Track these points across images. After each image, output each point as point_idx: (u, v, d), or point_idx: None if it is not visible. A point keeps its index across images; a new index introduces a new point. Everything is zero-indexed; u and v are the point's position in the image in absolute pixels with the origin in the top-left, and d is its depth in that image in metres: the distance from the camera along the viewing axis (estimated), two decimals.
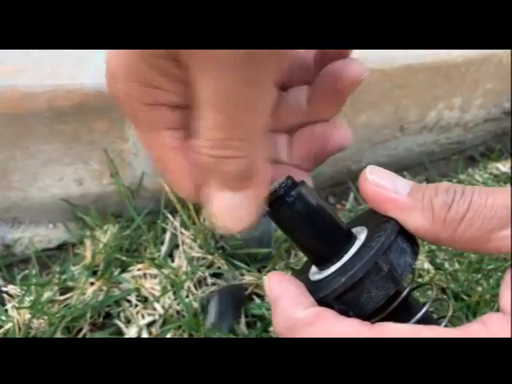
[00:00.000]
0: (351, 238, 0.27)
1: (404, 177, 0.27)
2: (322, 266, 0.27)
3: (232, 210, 0.24)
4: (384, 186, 0.26)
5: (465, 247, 0.25)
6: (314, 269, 0.29)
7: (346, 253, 0.27)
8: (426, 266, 0.61)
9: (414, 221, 0.25)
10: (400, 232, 0.26)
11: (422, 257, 0.62)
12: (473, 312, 0.54)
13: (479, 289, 0.56)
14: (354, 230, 0.28)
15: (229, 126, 0.21)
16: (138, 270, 0.60)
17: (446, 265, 0.61)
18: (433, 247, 0.64)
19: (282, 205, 0.26)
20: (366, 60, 0.70)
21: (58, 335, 0.54)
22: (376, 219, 0.27)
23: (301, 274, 0.30)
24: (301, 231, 0.27)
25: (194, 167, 0.24)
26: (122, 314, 0.57)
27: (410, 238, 0.26)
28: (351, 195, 0.73)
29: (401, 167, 0.77)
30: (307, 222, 0.27)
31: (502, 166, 0.76)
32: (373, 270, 0.25)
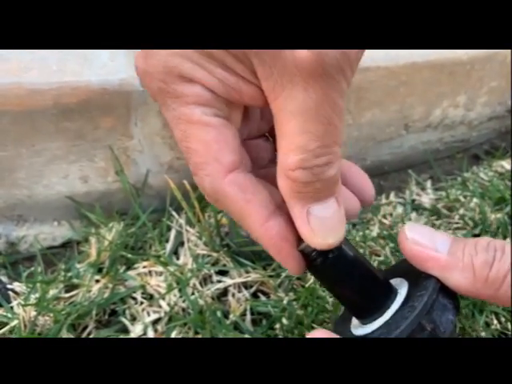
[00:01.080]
0: (391, 292, 0.28)
1: (409, 176, 0.27)
2: (364, 319, 0.28)
3: (331, 220, 0.24)
4: (424, 245, 0.26)
5: (508, 304, 0.25)
6: (355, 321, 0.29)
7: (388, 308, 0.27)
8: None
9: (456, 280, 0.25)
10: (441, 289, 0.26)
11: None
12: (479, 309, 0.53)
13: None
14: (393, 282, 0.29)
15: (324, 133, 0.21)
16: (144, 267, 0.60)
17: None
18: None
19: (324, 262, 0.27)
20: (370, 58, 0.71)
21: (64, 332, 0.54)
22: (415, 273, 0.27)
23: (342, 325, 0.30)
24: (342, 286, 0.28)
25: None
26: (127, 312, 0.57)
27: (450, 294, 0.26)
28: None
29: (405, 165, 0.77)
30: (349, 278, 0.27)
31: (507, 164, 0.76)
32: (417, 330, 0.25)
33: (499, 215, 0.67)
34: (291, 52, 0.19)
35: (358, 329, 0.28)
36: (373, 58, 0.63)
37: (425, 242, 0.26)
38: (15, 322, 0.55)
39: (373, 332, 0.27)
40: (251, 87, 0.22)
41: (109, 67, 0.58)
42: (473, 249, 0.25)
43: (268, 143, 0.29)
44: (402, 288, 0.28)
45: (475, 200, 0.69)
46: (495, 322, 0.52)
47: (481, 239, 0.26)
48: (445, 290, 0.26)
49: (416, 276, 0.27)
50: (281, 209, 0.24)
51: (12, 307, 0.57)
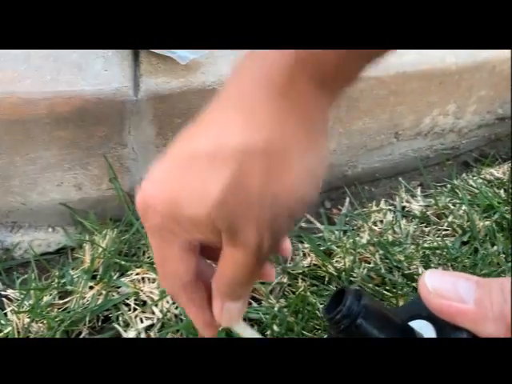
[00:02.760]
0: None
1: (399, 183, 0.28)
2: None
3: (236, 312, 0.31)
4: (448, 297, 0.25)
5: None
6: None
7: None
8: (421, 270, 0.62)
9: (488, 331, 0.25)
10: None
11: (416, 262, 0.63)
12: None
13: None
14: (416, 325, 0.28)
15: (237, 286, 0.29)
16: (137, 274, 0.61)
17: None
18: (427, 252, 0.65)
19: (351, 324, 0.27)
20: None
21: None
22: (439, 318, 0.27)
23: None
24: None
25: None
26: (120, 318, 0.57)
27: None
28: (347, 200, 0.74)
29: (396, 172, 0.78)
30: (373, 334, 0.27)
31: (496, 172, 0.77)
32: None
33: (487, 222, 0.68)
34: None
35: None
36: None
37: (449, 294, 0.25)
38: (9, 329, 0.55)
39: None
40: None
41: (103, 77, 0.58)
42: (500, 295, 0.25)
43: None
44: (426, 333, 0.27)
45: (464, 207, 0.70)
46: None
47: (505, 280, 0.25)
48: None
49: (441, 321, 0.26)
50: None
51: (6, 314, 0.58)
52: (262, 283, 0.60)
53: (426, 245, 0.66)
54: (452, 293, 0.25)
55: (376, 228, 0.69)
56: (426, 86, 0.69)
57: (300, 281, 0.61)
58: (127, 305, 0.59)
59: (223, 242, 0.27)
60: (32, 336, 0.55)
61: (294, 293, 0.60)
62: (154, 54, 0.60)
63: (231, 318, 0.31)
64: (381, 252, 0.64)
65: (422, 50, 0.68)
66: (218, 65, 0.61)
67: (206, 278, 0.30)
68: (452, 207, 0.71)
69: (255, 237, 0.26)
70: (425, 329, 0.28)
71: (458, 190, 0.74)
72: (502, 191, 0.74)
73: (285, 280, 0.61)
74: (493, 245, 0.66)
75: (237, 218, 0.25)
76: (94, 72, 0.59)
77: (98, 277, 0.60)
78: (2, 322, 0.56)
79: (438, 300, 0.26)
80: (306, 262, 0.63)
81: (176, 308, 0.58)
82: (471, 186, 0.75)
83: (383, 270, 0.62)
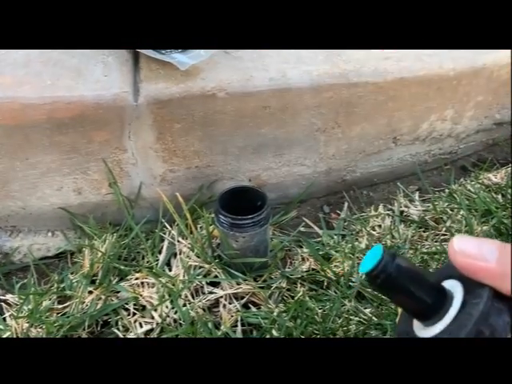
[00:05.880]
0: (447, 296, 0.30)
1: (398, 188, 0.29)
2: (424, 321, 0.31)
3: None
4: (473, 256, 0.28)
5: None
6: (416, 322, 0.32)
7: (446, 312, 0.29)
8: None
9: (507, 287, 0.27)
10: (495, 295, 0.28)
11: None
12: None
13: None
14: (448, 284, 0.31)
15: None
16: (136, 278, 0.61)
17: None
18: (425, 257, 0.65)
19: (386, 278, 0.30)
20: (359, 74, 0.72)
21: None
22: (468, 278, 0.29)
23: (405, 324, 0.33)
24: (402, 296, 0.31)
25: None
26: (119, 323, 0.58)
27: (504, 298, 0.28)
28: (345, 205, 0.74)
29: (394, 177, 0.78)
30: (408, 288, 0.30)
31: (493, 177, 0.78)
32: (476, 336, 0.27)
33: (485, 227, 0.69)
34: None
35: (421, 331, 0.31)
36: (361, 73, 0.65)
37: (473, 253, 0.28)
38: (8, 334, 0.55)
39: (436, 336, 0.29)
40: None
41: (102, 82, 0.59)
42: None
43: None
44: (457, 291, 0.30)
45: (462, 212, 0.71)
46: None
47: None
48: (498, 294, 0.28)
49: (469, 280, 0.29)
50: None
51: (5, 319, 0.58)
52: (261, 287, 0.60)
53: (424, 249, 0.66)
54: (476, 252, 0.28)
55: (374, 233, 0.69)
56: (423, 91, 0.69)
57: (299, 285, 0.61)
58: (126, 309, 0.59)
59: None
60: None
61: (292, 297, 0.60)
62: (154, 59, 0.60)
63: None
64: None
65: (420, 55, 0.68)
66: (218, 70, 0.62)
67: None
68: (450, 212, 0.72)
69: None
70: (455, 287, 0.30)
71: (455, 195, 0.74)
72: (499, 196, 0.74)
73: (284, 285, 0.61)
74: None
75: None
76: (94, 77, 0.59)
77: (98, 281, 0.60)
78: (1, 327, 0.56)
79: (464, 259, 0.28)
80: (304, 267, 0.64)
81: (175, 313, 0.58)
82: (469, 190, 0.75)
83: None
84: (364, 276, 0.31)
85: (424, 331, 0.30)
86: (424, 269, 0.32)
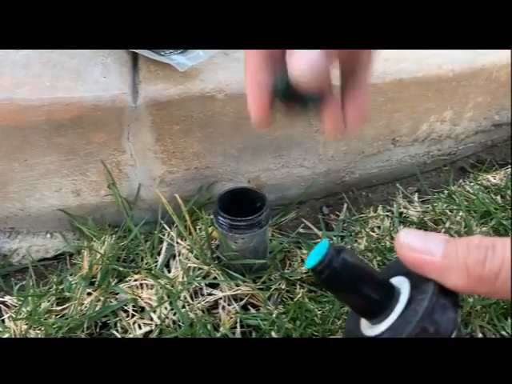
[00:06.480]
0: (394, 294, 0.30)
1: (397, 189, 0.29)
2: (370, 319, 0.30)
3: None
4: (419, 250, 0.28)
5: (506, 297, 0.26)
6: (364, 321, 0.31)
7: (392, 310, 0.29)
8: None
9: (452, 281, 0.27)
10: (440, 291, 0.27)
11: None
12: (464, 323, 0.55)
13: (470, 300, 0.57)
14: (395, 280, 0.30)
15: None
16: (135, 280, 0.61)
17: None
18: None
19: (331, 273, 0.29)
20: None
21: None
22: (415, 272, 0.29)
23: (353, 323, 0.32)
24: (348, 292, 0.30)
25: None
26: (118, 325, 0.57)
27: (450, 293, 0.28)
28: (345, 206, 0.74)
29: (393, 178, 0.78)
30: (354, 286, 0.29)
31: (493, 178, 0.78)
32: (421, 333, 0.27)
33: (485, 229, 0.69)
34: None
35: (368, 329, 0.30)
36: None
37: (419, 247, 0.27)
38: (6, 336, 0.55)
39: (382, 333, 0.29)
40: None
41: (101, 83, 0.59)
42: (465, 249, 0.26)
43: None
44: (404, 287, 0.29)
45: (461, 213, 0.71)
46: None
47: (473, 238, 0.27)
48: (444, 290, 0.27)
49: (416, 276, 0.28)
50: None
51: (3, 321, 0.58)
52: (260, 289, 0.60)
53: None
54: (422, 246, 0.28)
55: (374, 234, 0.69)
56: (422, 92, 0.70)
57: (298, 287, 0.61)
58: (125, 311, 0.58)
59: None
60: None
61: (292, 299, 0.60)
62: (153, 60, 0.60)
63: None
64: (378, 258, 0.64)
65: (419, 57, 0.68)
66: (217, 72, 0.62)
67: None
68: (449, 213, 0.71)
69: None
70: (402, 284, 0.30)
71: (455, 196, 0.74)
72: (498, 197, 0.74)
73: (283, 286, 0.61)
74: None
75: None
76: (93, 79, 0.59)
77: (96, 283, 0.60)
78: (0, 329, 0.56)
79: (409, 253, 0.28)
80: (304, 268, 0.63)
81: (174, 314, 0.58)
82: (468, 191, 0.75)
83: None
84: (310, 271, 0.31)
85: (371, 330, 0.30)
86: (370, 265, 0.31)
